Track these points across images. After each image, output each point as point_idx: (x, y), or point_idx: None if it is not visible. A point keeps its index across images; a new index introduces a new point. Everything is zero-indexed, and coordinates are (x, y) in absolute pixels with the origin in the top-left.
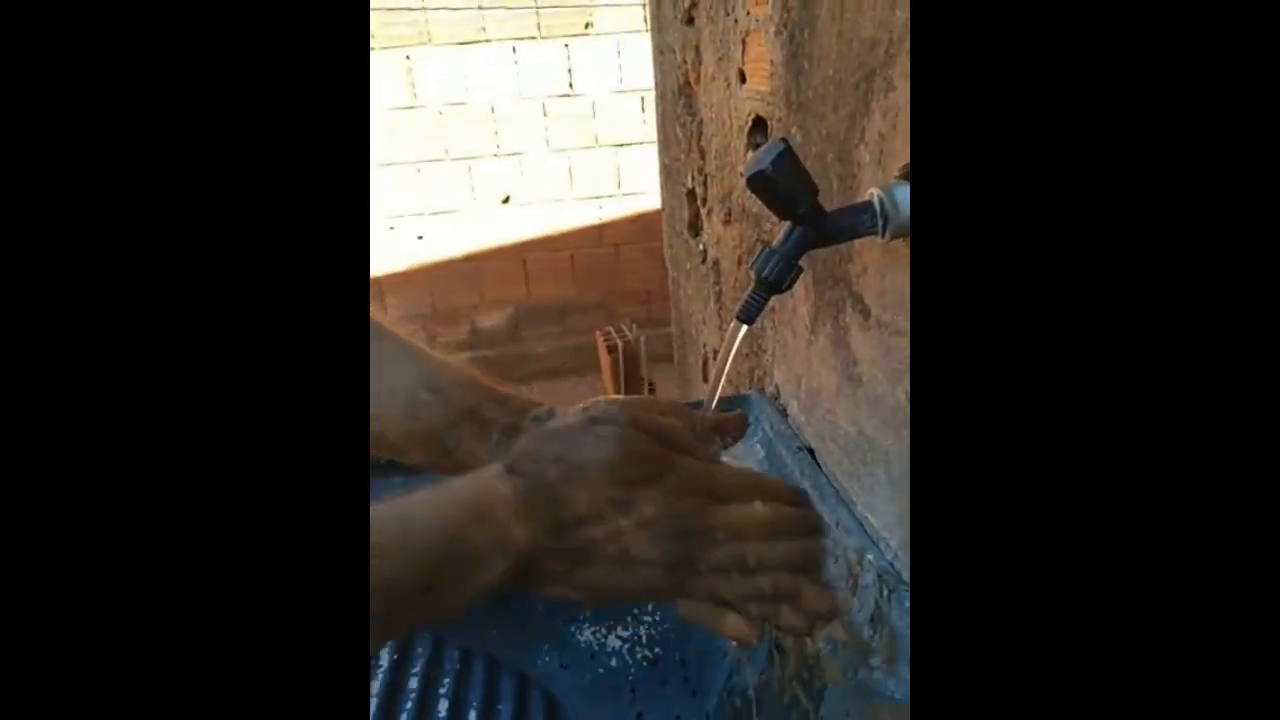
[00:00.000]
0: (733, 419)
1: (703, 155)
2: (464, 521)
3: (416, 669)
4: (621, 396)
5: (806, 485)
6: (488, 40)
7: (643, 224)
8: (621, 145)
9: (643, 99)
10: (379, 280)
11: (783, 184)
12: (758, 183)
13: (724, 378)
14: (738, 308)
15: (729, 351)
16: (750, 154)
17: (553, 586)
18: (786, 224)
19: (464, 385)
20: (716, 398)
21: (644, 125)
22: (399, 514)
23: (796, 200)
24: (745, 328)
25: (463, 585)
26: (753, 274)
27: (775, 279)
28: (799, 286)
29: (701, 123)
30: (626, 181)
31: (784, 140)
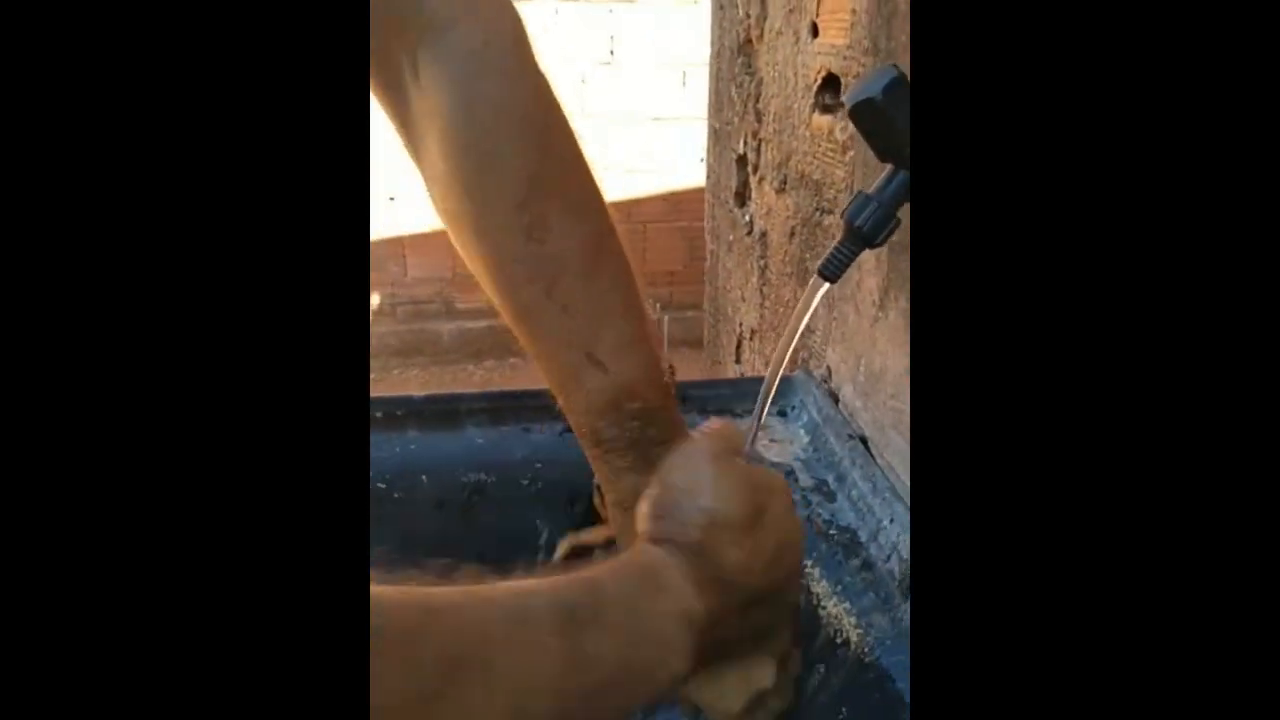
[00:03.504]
0: None
1: (759, 118)
2: (650, 592)
3: None
4: (716, 426)
5: (856, 476)
6: None
7: (673, 202)
8: (658, 119)
9: (684, 73)
10: (400, 240)
11: (891, 116)
12: (862, 113)
13: (794, 345)
14: (820, 262)
15: (804, 313)
16: (851, 84)
17: (728, 652)
18: (888, 167)
19: (623, 373)
20: (782, 370)
21: (683, 101)
22: (593, 590)
23: (903, 138)
24: (827, 286)
25: (652, 669)
26: (844, 222)
27: (870, 230)
28: (868, 253)
29: (761, 82)
30: (660, 157)
31: (894, 66)
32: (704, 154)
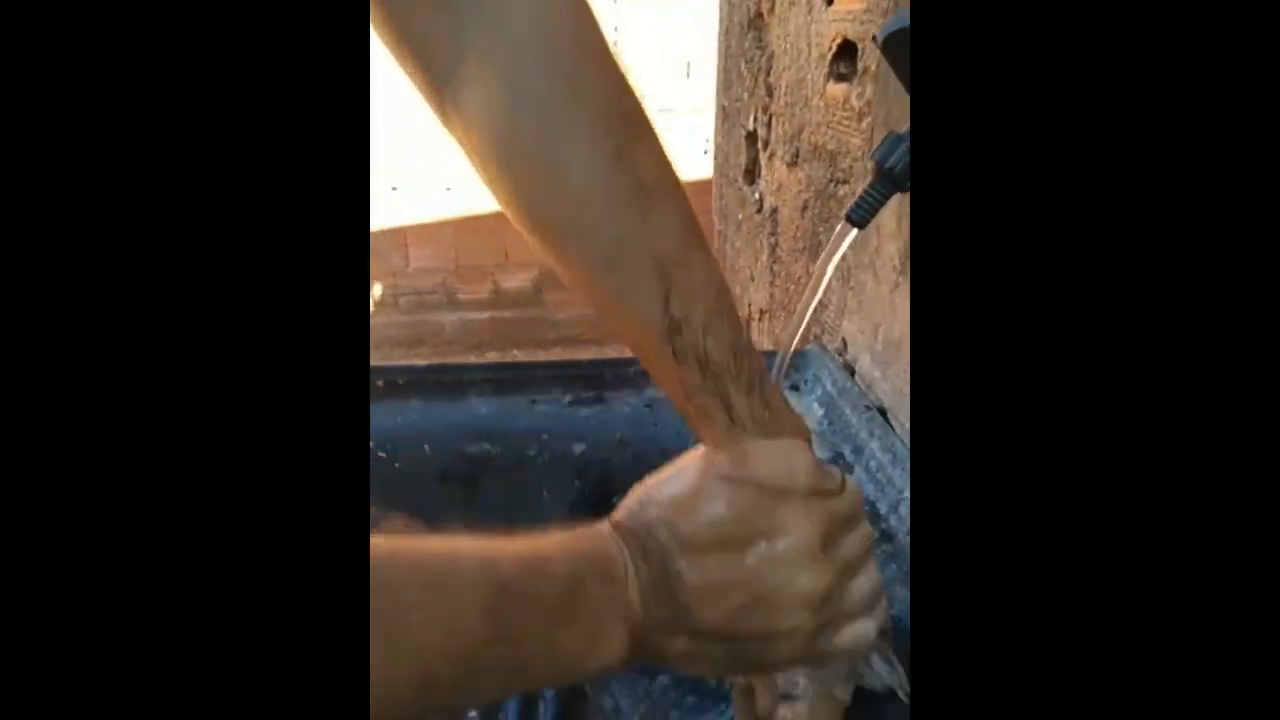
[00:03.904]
0: None
1: (769, 92)
2: (589, 577)
3: None
4: (787, 448)
5: (875, 448)
6: None
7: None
8: (663, 110)
9: (688, 65)
10: (402, 231)
11: None
12: (895, 44)
13: (819, 298)
14: (848, 208)
15: (830, 260)
16: (887, 19)
17: (675, 665)
18: None
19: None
20: (805, 324)
21: (687, 94)
22: (528, 561)
23: None
24: (855, 232)
25: (581, 655)
26: (873, 165)
27: (902, 171)
28: (888, 217)
29: (772, 56)
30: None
31: None
32: (709, 147)
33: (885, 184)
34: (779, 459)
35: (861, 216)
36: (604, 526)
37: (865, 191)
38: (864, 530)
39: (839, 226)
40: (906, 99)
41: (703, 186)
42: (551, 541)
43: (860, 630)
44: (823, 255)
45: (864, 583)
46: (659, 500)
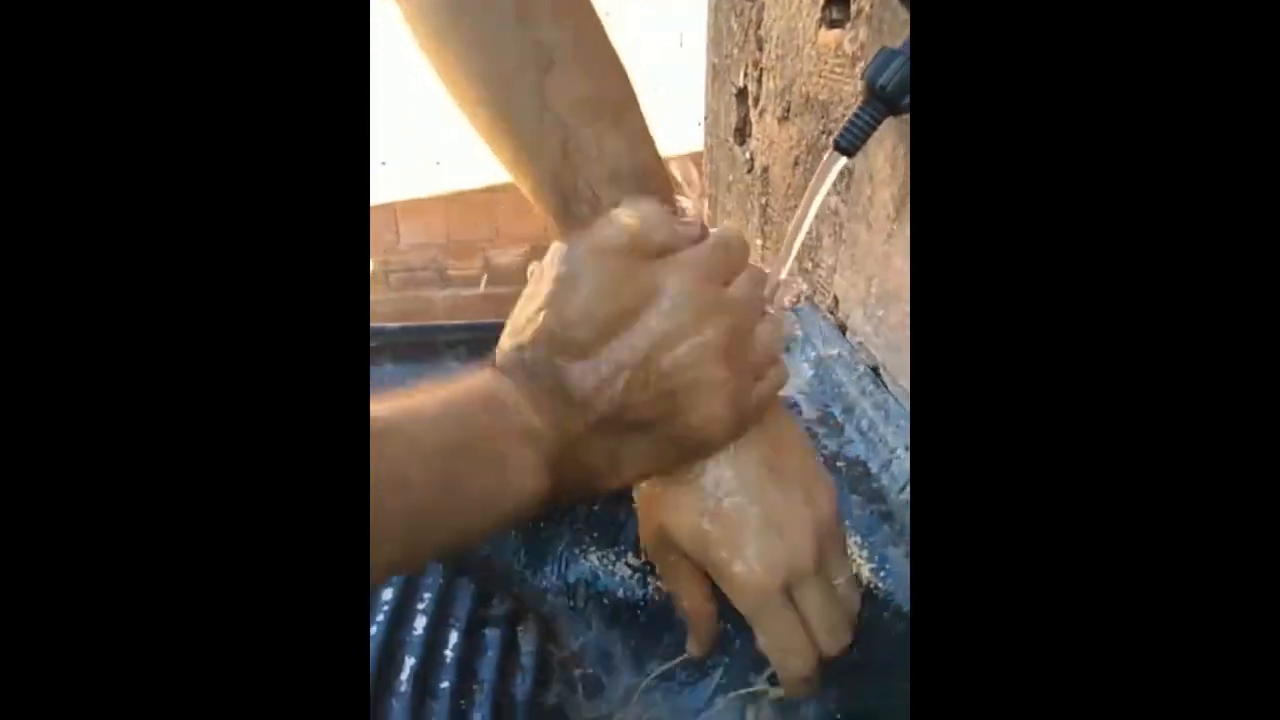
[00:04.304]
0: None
1: (760, 46)
2: (476, 412)
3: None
4: (629, 213)
5: (866, 406)
6: None
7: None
8: (655, 82)
9: (681, 34)
10: (394, 206)
11: None
12: None
13: (805, 229)
14: (836, 134)
15: (817, 190)
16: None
17: (605, 478)
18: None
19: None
20: (792, 256)
21: (680, 63)
22: (403, 405)
23: None
24: (844, 160)
25: (492, 492)
26: (864, 84)
27: (895, 89)
28: (883, 162)
29: (762, 8)
30: (656, 119)
31: None
32: (701, 119)
33: (877, 105)
34: (628, 216)
35: (850, 142)
36: (485, 370)
37: (855, 114)
38: (755, 271)
39: (826, 155)
40: (901, 36)
41: (696, 161)
42: (424, 395)
43: (778, 375)
44: (810, 186)
45: (767, 326)
46: (522, 316)
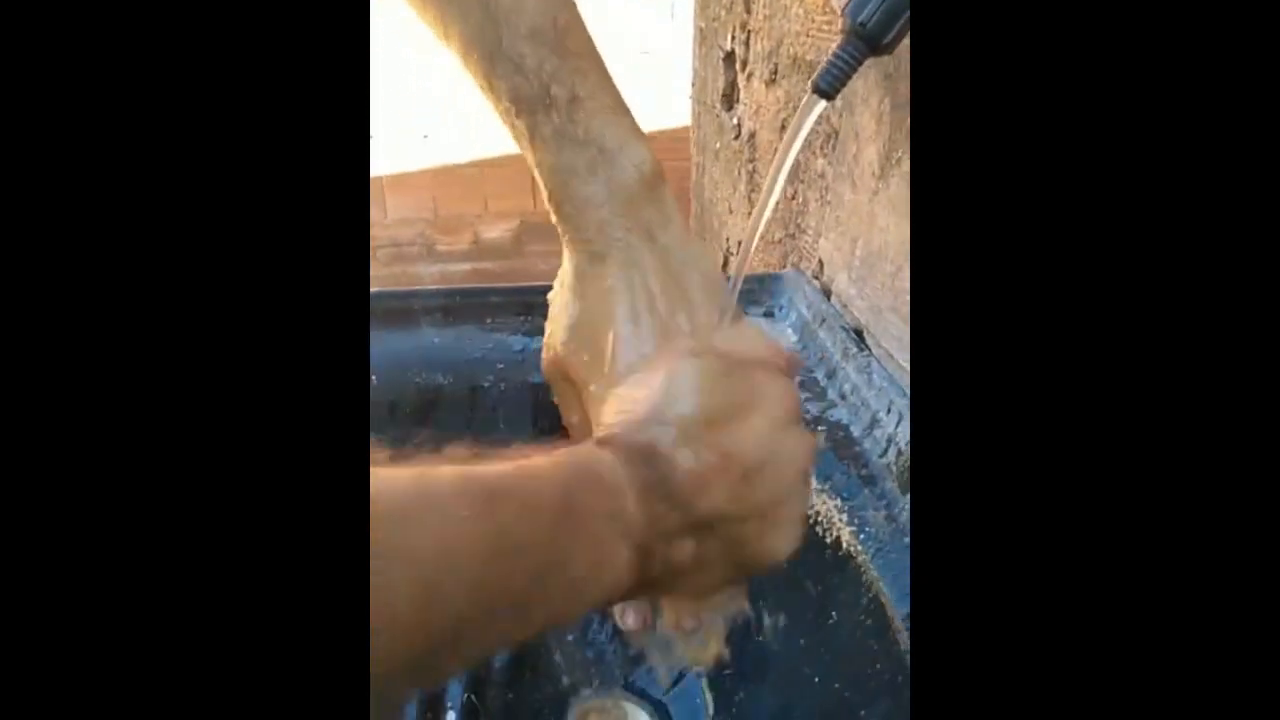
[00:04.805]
0: None
1: (748, 7)
2: (576, 486)
3: None
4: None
5: (850, 369)
6: None
7: (661, 141)
8: (646, 53)
9: (672, 5)
10: (380, 180)
11: None
12: None
13: (785, 176)
14: (815, 75)
15: (795, 137)
16: None
17: (687, 581)
18: None
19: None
20: (770, 207)
21: (671, 34)
22: (512, 463)
23: None
24: (824, 104)
25: (591, 560)
26: (844, 21)
27: (877, 26)
28: (867, 119)
29: None
30: (646, 92)
31: None
32: (692, 91)
33: (858, 44)
34: (740, 334)
35: (830, 84)
36: (587, 443)
37: (834, 54)
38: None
39: (805, 98)
40: None
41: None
42: (535, 456)
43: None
44: (788, 132)
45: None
46: (633, 399)
